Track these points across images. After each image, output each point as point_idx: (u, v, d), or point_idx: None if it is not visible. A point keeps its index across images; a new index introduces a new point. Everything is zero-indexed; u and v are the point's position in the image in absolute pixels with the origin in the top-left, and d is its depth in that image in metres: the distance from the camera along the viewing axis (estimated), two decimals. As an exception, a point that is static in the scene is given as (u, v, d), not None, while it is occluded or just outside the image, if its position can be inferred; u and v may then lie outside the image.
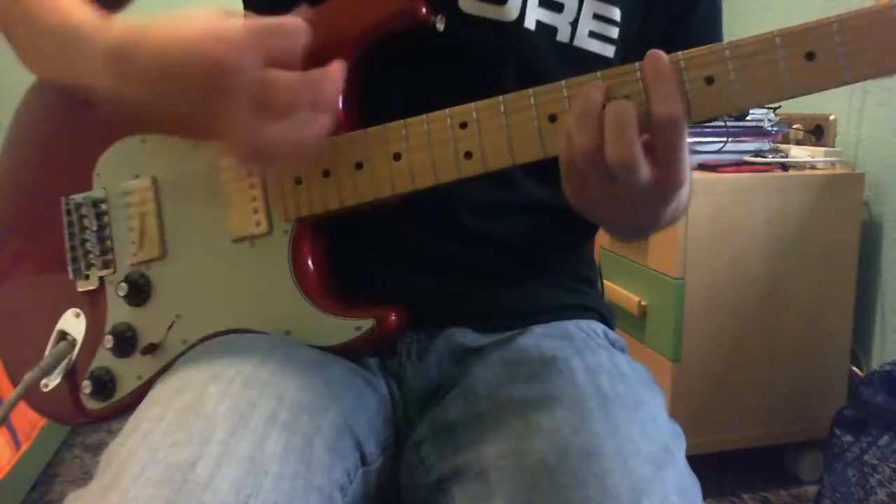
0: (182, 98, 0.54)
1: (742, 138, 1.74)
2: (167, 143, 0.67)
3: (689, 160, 0.53)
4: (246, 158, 0.56)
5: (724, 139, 1.71)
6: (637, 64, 0.53)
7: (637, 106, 0.52)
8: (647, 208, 0.56)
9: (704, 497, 0.55)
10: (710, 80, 0.52)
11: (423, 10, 0.60)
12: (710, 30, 0.76)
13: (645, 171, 0.51)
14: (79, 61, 0.59)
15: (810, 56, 0.50)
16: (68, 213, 0.70)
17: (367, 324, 0.62)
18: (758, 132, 1.75)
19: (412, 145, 0.59)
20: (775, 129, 1.77)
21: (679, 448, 0.56)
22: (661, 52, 0.53)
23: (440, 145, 0.58)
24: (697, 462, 0.59)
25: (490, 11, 0.65)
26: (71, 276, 0.71)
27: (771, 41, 0.50)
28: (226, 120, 0.52)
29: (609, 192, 0.54)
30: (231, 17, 0.53)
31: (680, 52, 0.52)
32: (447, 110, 0.58)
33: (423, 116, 0.58)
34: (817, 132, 1.88)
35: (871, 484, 1.34)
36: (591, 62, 0.68)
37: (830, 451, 1.46)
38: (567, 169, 0.55)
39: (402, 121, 0.59)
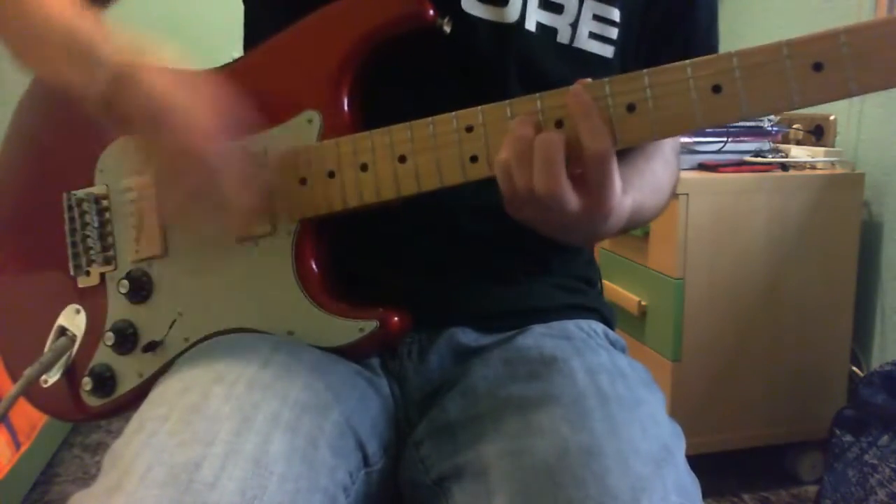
0: (149, 147, 0.60)
1: (742, 138, 1.74)
2: None
3: (619, 186, 0.54)
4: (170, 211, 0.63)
5: (724, 139, 1.71)
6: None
7: (566, 134, 0.53)
8: (579, 231, 0.57)
9: (704, 497, 0.55)
10: (717, 89, 0.52)
11: (431, 12, 0.60)
12: (706, 32, 0.76)
13: (573, 200, 0.53)
14: (76, 75, 0.61)
15: (818, 67, 0.50)
16: (70, 209, 0.70)
17: (370, 325, 0.62)
18: (758, 132, 1.75)
19: (417, 148, 0.59)
20: (775, 129, 1.77)
21: (679, 448, 0.57)
22: (581, 89, 0.53)
23: (446, 148, 0.58)
24: (697, 462, 0.59)
25: (491, 13, 0.65)
26: (72, 272, 0.71)
27: (778, 51, 0.50)
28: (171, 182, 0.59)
29: (543, 217, 0.55)
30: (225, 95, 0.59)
31: (687, 61, 0.52)
32: (453, 113, 0.57)
33: (429, 119, 0.58)
34: (817, 132, 1.88)
35: (871, 484, 1.34)
36: (592, 63, 0.68)
37: (830, 451, 1.46)
38: (508, 197, 0.56)
39: (407, 123, 0.59)
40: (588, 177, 0.53)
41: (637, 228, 0.72)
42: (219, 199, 0.59)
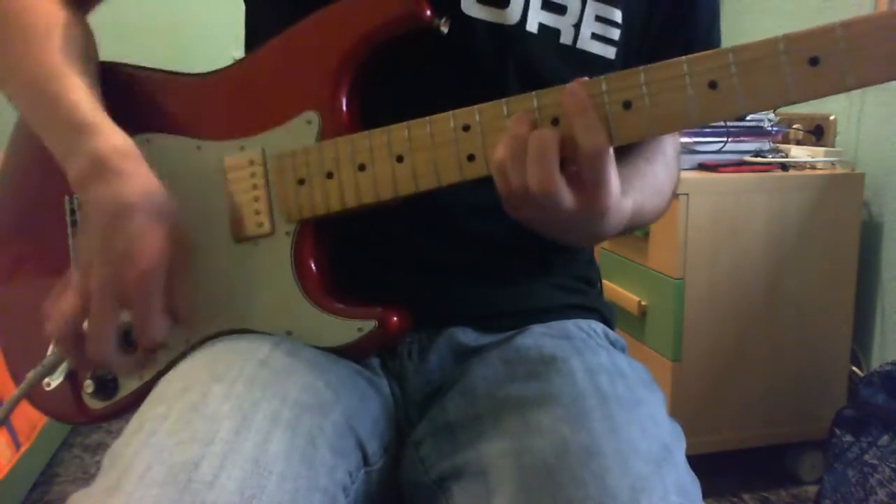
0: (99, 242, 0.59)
1: (742, 138, 1.74)
2: (171, 144, 0.67)
3: (615, 185, 0.53)
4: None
5: (724, 139, 1.71)
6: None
7: (562, 131, 0.53)
8: (578, 231, 0.57)
9: (704, 497, 0.55)
10: (713, 85, 0.52)
11: (428, 13, 0.60)
12: (708, 32, 0.76)
13: (568, 198, 0.53)
14: (52, 142, 0.63)
15: (814, 61, 0.50)
16: (72, 212, 0.71)
17: (368, 325, 0.62)
18: (758, 132, 1.76)
19: (415, 147, 0.59)
20: (775, 129, 1.77)
21: (679, 447, 0.57)
22: (577, 86, 0.53)
23: (443, 147, 0.58)
24: (697, 462, 0.59)
25: (492, 14, 0.65)
26: (73, 274, 0.71)
27: (774, 46, 0.50)
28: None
29: (540, 217, 0.55)
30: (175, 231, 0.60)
31: (683, 58, 0.52)
32: (450, 112, 0.58)
33: (427, 119, 0.58)
34: (817, 132, 1.88)
35: (871, 484, 1.34)
36: (593, 64, 0.68)
37: (830, 451, 1.46)
38: (504, 196, 0.56)
39: (405, 123, 0.59)
40: (583, 174, 0.53)
41: (638, 230, 0.72)
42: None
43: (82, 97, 0.63)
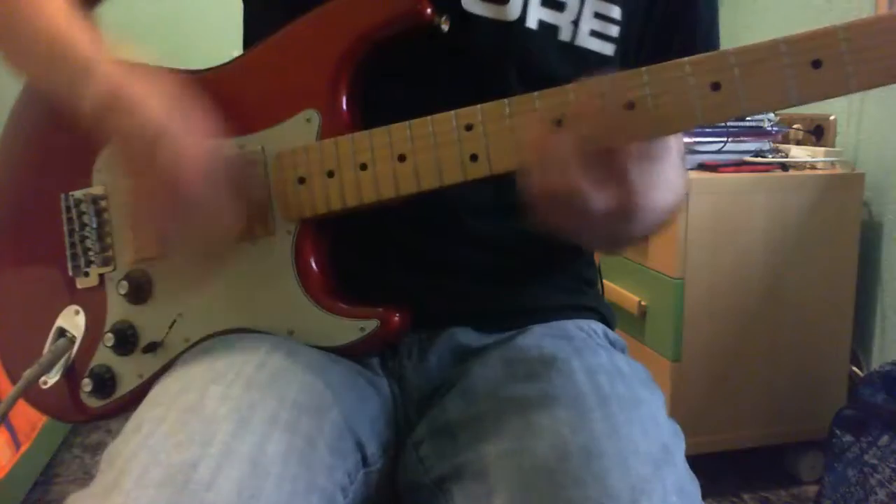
0: (132, 167, 0.60)
1: (742, 138, 1.74)
2: None
3: (637, 183, 0.53)
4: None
5: (724, 139, 1.71)
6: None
7: (568, 132, 0.52)
8: (608, 232, 0.56)
9: (704, 497, 0.55)
10: (716, 87, 0.52)
11: (429, 11, 0.60)
12: (708, 31, 0.76)
13: (594, 196, 0.52)
14: (65, 84, 0.61)
15: (816, 64, 0.50)
16: (68, 209, 0.70)
17: (370, 324, 0.62)
18: (758, 132, 1.75)
19: (417, 147, 0.58)
20: (775, 129, 1.77)
21: (678, 448, 0.56)
22: (581, 87, 0.53)
23: (445, 147, 0.58)
24: (697, 462, 0.59)
25: (492, 11, 0.65)
26: (70, 273, 0.71)
27: (776, 48, 0.50)
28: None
29: (571, 222, 0.54)
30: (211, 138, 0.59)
31: (686, 59, 0.52)
32: (452, 112, 0.57)
33: (429, 118, 0.58)
34: (817, 132, 1.88)
35: (871, 484, 1.34)
36: (592, 61, 0.68)
37: (830, 451, 1.46)
38: (532, 204, 0.55)
39: (407, 122, 0.59)
40: (602, 174, 0.52)
41: (659, 230, 0.71)
42: (205, 219, 0.60)
43: (83, 36, 0.62)
